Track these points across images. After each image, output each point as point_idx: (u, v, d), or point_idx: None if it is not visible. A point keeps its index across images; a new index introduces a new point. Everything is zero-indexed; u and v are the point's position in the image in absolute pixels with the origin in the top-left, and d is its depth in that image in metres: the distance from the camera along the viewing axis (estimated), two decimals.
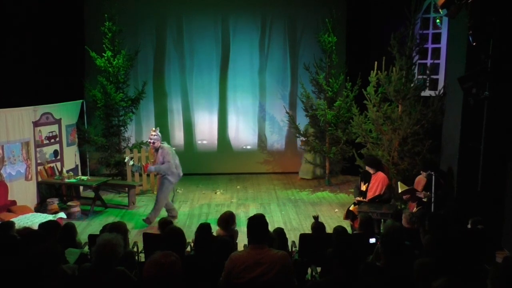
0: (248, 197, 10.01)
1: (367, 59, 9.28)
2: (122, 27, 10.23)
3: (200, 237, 4.66)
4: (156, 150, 8.05)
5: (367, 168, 7.31)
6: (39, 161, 8.93)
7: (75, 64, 10.71)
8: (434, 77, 9.15)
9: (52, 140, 9.28)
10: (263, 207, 9.18)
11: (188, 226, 8.05)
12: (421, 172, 7.25)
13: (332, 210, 8.93)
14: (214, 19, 11.54)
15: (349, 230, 6.62)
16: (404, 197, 7.26)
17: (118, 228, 4.55)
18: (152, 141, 7.96)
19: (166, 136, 11.63)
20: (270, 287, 3.62)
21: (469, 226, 5.60)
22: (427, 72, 8.88)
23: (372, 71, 8.77)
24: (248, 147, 12.16)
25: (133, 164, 9.53)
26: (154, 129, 8.21)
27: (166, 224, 5.32)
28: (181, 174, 8.31)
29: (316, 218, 5.92)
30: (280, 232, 5.39)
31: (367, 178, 7.33)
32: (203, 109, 11.92)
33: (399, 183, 7.27)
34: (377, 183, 7.18)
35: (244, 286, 3.63)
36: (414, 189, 7.07)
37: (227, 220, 5.48)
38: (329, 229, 5.94)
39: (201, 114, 11.93)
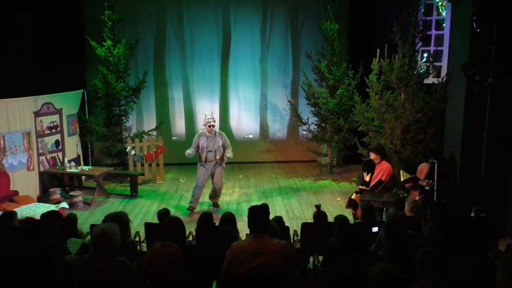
0: (250, 186, 10.00)
1: (369, 46, 9.20)
2: (122, 15, 10.15)
3: (202, 226, 4.65)
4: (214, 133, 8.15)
5: (373, 156, 7.23)
6: (40, 151, 8.93)
7: (76, 54, 10.63)
8: (437, 64, 9.06)
9: (53, 130, 9.26)
10: (265, 196, 9.17)
11: (190, 215, 8.06)
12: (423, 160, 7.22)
13: (334, 199, 8.92)
14: (214, 7, 11.45)
15: (350, 219, 6.61)
16: (406, 185, 7.23)
17: (120, 218, 4.54)
18: (214, 123, 8.14)
19: (167, 125, 11.63)
20: (271, 277, 3.61)
21: (472, 214, 5.58)
22: (430, 59, 8.79)
23: (374, 59, 8.70)
24: (250, 136, 12.13)
25: (134, 154, 9.55)
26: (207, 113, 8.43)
27: (165, 215, 5.31)
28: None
29: (318, 207, 5.88)
30: (279, 220, 5.37)
31: (370, 168, 7.27)
32: (204, 98, 11.87)
33: (401, 171, 7.23)
34: (382, 172, 7.11)
35: (245, 276, 3.63)
36: (417, 177, 7.03)
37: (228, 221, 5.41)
38: (331, 218, 5.93)
39: (202, 103, 11.87)
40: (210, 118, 8.11)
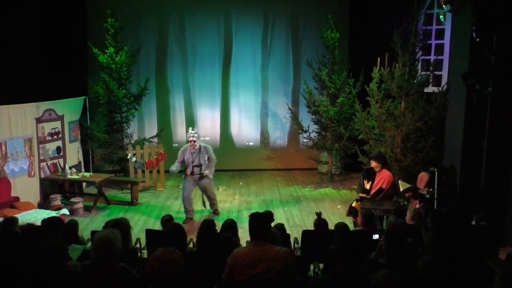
0: (251, 193, 10.00)
1: (370, 55, 9.22)
2: (125, 23, 10.22)
3: (204, 233, 4.64)
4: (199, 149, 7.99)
5: (373, 164, 7.23)
6: (41, 158, 8.94)
7: (78, 61, 10.68)
8: (438, 73, 9.10)
9: (55, 137, 9.28)
10: (266, 204, 9.17)
11: (190, 223, 8.04)
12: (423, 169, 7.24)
13: (335, 207, 8.91)
14: (216, 15, 11.53)
15: (351, 226, 6.61)
16: (406, 195, 7.24)
17: (121, 225, 4.51)
18: (194, 139, 7.92)
19: (168, 132, 11.65)
20: (272, 284, 3.61)
21: (473, 222, 5.58)
22: (431, 68, 8.84)
23: (375, 67, 8.72)
24: (251, 143, 12.14)
25: (135, 161, 9.55)
26: (192, 128, 8.21)
27: (169, 221, 5.31)
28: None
29: (318, 214, 5.90)
30: (281, 228, 5.37)
31: (370, 176, 7.28)
32: (206, 106, 11.91)
33: (400, 181, 7.24)
34: (382, 180, 7.12)
35: (246, 282, 3.63)
36: (416, 187, 7.04)
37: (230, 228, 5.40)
38: (331, 226, 5.91)
39: (204, 110, 11.91)
40: (192, 133, 7.95)
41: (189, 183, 8.11)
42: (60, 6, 10.20)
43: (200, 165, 8.00)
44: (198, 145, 7.97)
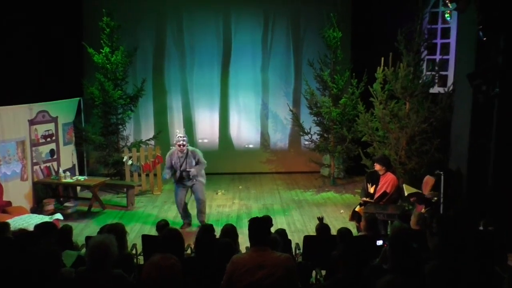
0: (251, 197, 9.85)
1: (373, 55, 9.12)
2: (121, 22, 10.06)
3: (202, 239, 4.53)
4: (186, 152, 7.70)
5: (377, 167, 7.12)
6: (35, 161, 8.77)
7: (72, 61, 10.53)
8: (443, 73, 8.96)
9: (48, 139, 9.13)
10: (266, 208, 9.02)
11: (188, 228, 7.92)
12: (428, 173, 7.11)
13: (337, 211, 8.76)
14: (215, 14, 11.44)
15: (354, 231, 6.46)
16: (411, 199, 7.10)
17: (116, 230, 4.48)
18: (183, 143, 7.64)
19: (166, 134, 11.49)
20: None
21: (481, 227, 5.46)
22: (436, 68, 8.70)
23: (378, 67, 8.62)
24: (251, 146, 12.01)
25: (131, 164, 9.41)
26: (178, 131, 7.95)
27: (164, 226, 5.21)
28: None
29: (320, 219, 5.81)
30: (282, 233, 5.29)
31: (374, 180, 7.17)
32: (204, 107, 11.79)
33: (404, 185, 7.12)
34: (386, 183, 7.02)
35: None
36: (421, 192, 6.90)
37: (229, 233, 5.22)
38: (334, 231, 5.83)
39: (202, 112, 11.79)
40: (180, 137, 7.66)
41: (180, 188, 7.85)
42: (55, 5, 10.03)
43: (187, 171, 7.68)
44: (186, 149, 7.69)
